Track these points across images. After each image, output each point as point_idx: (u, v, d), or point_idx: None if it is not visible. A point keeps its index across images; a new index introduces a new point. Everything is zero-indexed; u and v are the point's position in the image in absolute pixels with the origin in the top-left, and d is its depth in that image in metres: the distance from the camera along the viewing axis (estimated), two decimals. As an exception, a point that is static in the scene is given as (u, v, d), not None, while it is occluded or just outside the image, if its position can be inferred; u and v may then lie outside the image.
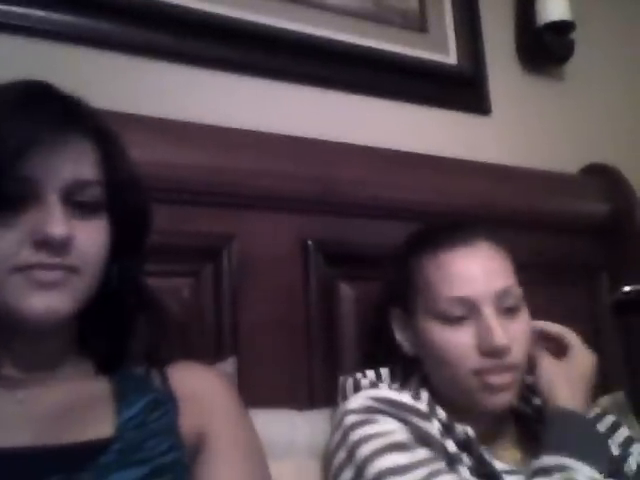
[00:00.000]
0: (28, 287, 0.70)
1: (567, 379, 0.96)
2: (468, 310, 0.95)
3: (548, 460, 0.88)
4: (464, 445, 0.92)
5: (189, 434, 0.77)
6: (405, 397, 0.94)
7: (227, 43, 1.30)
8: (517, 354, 0.95)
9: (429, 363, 1.00)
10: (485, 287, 0.95)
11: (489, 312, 0.94)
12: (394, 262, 1.06)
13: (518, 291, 0.99)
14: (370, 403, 0.93)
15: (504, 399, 0.95)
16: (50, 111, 0.74)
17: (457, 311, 0.95)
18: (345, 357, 1.19)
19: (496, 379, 0.94)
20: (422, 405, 0.94)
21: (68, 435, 0.71)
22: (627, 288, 1.03)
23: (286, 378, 1.13)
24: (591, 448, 0.89)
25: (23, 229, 0.71)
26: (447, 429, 0.93)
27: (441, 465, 0.87)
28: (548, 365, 0.98)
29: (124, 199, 0.80)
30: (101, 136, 0.79)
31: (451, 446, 0.91)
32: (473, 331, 0.95)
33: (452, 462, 0.89)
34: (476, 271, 0.97)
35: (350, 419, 0.92)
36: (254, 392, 1.04)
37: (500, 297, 0.96)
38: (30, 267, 0.70)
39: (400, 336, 1.04)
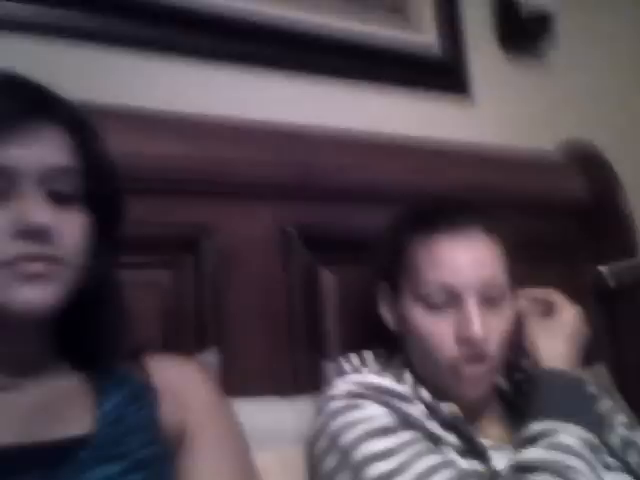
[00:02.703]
0: (15, 281, 0.69)
1: (553, 337, 0.97)
2: (451, 298, 0.95)
3: (533, 427, 0.89)
4: (450, 424, 0.92)
5: (169, 427, 0.77)
6: (387, 381, 0.95)
7: (201, 31, 1.28)
8: (493, 346, 0.95)
9: (409, 343, 1.01)
10: (471, 276, 0.95)
11: (471, 302, 0.94)
12: (386, 238, 1.06)
13: (505, 283, 0.99)
14: (353, 388, 0.93)
15: (476, 391, 0.97)
16: (21, 100, 0.73)
17: (440, 297, 0.96)
18: (329, 342, 1.19)
19: (469, 370, 0.95)
20: (405, 388, 0.95)
21: (47, 433, 0.70)
22: (603, 268, 1.03)
23: (270, 366, 1.13)
24: (576, 407, 0.90)
25: (4, 220, 0.70)
26: (432, 410, 0.93)
27: (426, 446, 0.88)
28: (533, 325, 1.00)
29: (100, 188, 0.79)
30: (75, 124, 0.78)
31: (435, 427, 0.91)
32: (453, 319, 0.95)
33: (436, 444, 0.90)
34: (465, 260, 0.96)
35: (333, 405, 0.92)
36: (238, 381, 1.05)
37: (485, 288, 0.96)
38: (15, 260, 0.69)
39: (385, 310, 1.05)
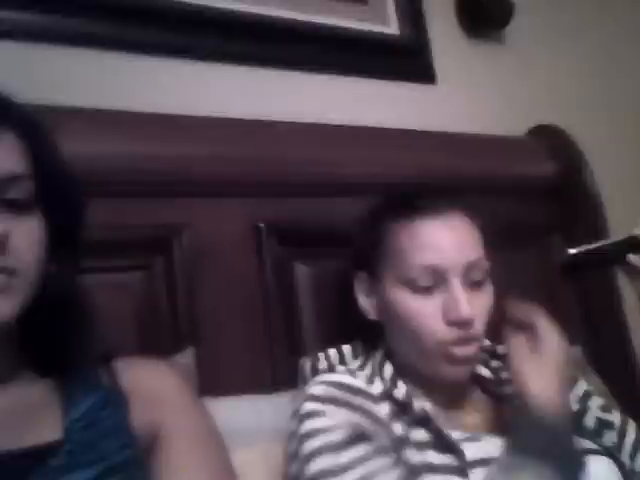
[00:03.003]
0: None
1: (539, 372, 0.93)
2: (436, 280, 0.96)
3: (498, 462, 0.87)
4: (422, 421, 0.92)
5: (142, 430, 0.77)
6: (357, 381, 0.95)
7: (166, 28, 1.26)
8: (479, 326, 0.96)
9: (394, 330, 1.01)
10: (456, 258, 0.96)
11: (457, 283, 0.95)
12: (364, 225, 1.06)
13: (486, 265, 1.00)
14: (321, 391, 0.92)
15: (464, 371, 0.98)
16: None
17: (426, 280, 0.96)
18: (306, 337, 1.19)
19: (459, 350, 0.95)
20: (375, 387, 0.95)
21: (15, 441, 0.70)
22: (573, 250, 1.03)
23: (248, 364, 1.12)
24: (548, 446, 0.87)
25: None
26: (403, 408, 0.93)
27: (381, 462, 0.86)
28: (520, 359, 0.95)
29: (56, 194, 0.77)
30: (29, 130, 0.76)
31: (401, 428, 0.90)
32: (440, 301, 0.95)
33: (398, 445, 0.89)
34: (448, 242, 0.97)
35: (303, 408, 0.92)
36: (217, 381, 1.05)
37: (469, 269, 0.96)
38: None
39: (364, 301, 1.05)
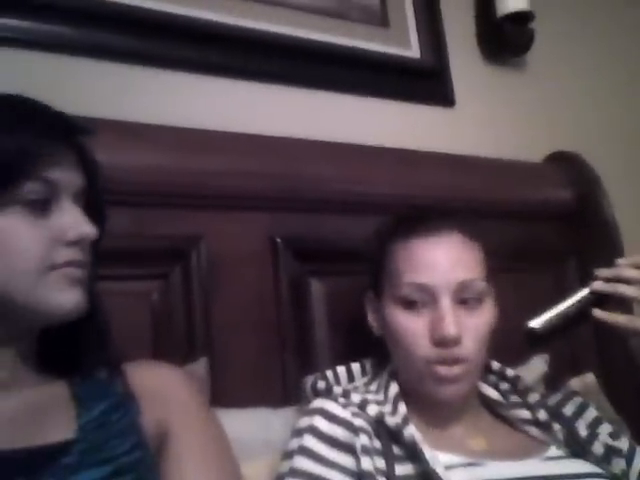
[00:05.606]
0: (64, 283, 0.76)
1: None
2: (427, 298, 0.96)
3: None
4: (411, 452, 0.90)
5: (151, 432, 0.78)
6: (339, 409, 0.93)
7: (187, 43, 1.29)
8: (469, 347, 0.95)
9: (390, 346, 1.02)
10: (446, 277, 0.96)
11: (445, 302, 0.95)
12: (370, 245, 1.08)
13: (482, 285, 0.99)
14: (303, 424, 0.93)
15: (453, 390, 0.95)
16: (50, 123, 0.79)
17: (416, 297, 0.97)
18: (318, 353, 1.19)
19: (444, 370, 0.94)
20: (370, 409, 0.93)
21: (29, 438, 0.71)
22: (534, 323, 1.00)
23: (259, 377, 1.13)
24: None
25: (51, 230, 0.76)
26: (394, 435, 0.91)
27: None
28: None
29: (93, 208, 0.84)
30: (84, 150, 0.85)
31: (367, 464, 0.87)
32: (428, 319, 0.96)
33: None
34: (440, 260, 0.98)
35: (289, 443, 0.93)
36: (228, 392, 1.06)
37: (461, 289, 0.96)
38: (66, 264, 0.76)
39: (371, 318, 1.07)
